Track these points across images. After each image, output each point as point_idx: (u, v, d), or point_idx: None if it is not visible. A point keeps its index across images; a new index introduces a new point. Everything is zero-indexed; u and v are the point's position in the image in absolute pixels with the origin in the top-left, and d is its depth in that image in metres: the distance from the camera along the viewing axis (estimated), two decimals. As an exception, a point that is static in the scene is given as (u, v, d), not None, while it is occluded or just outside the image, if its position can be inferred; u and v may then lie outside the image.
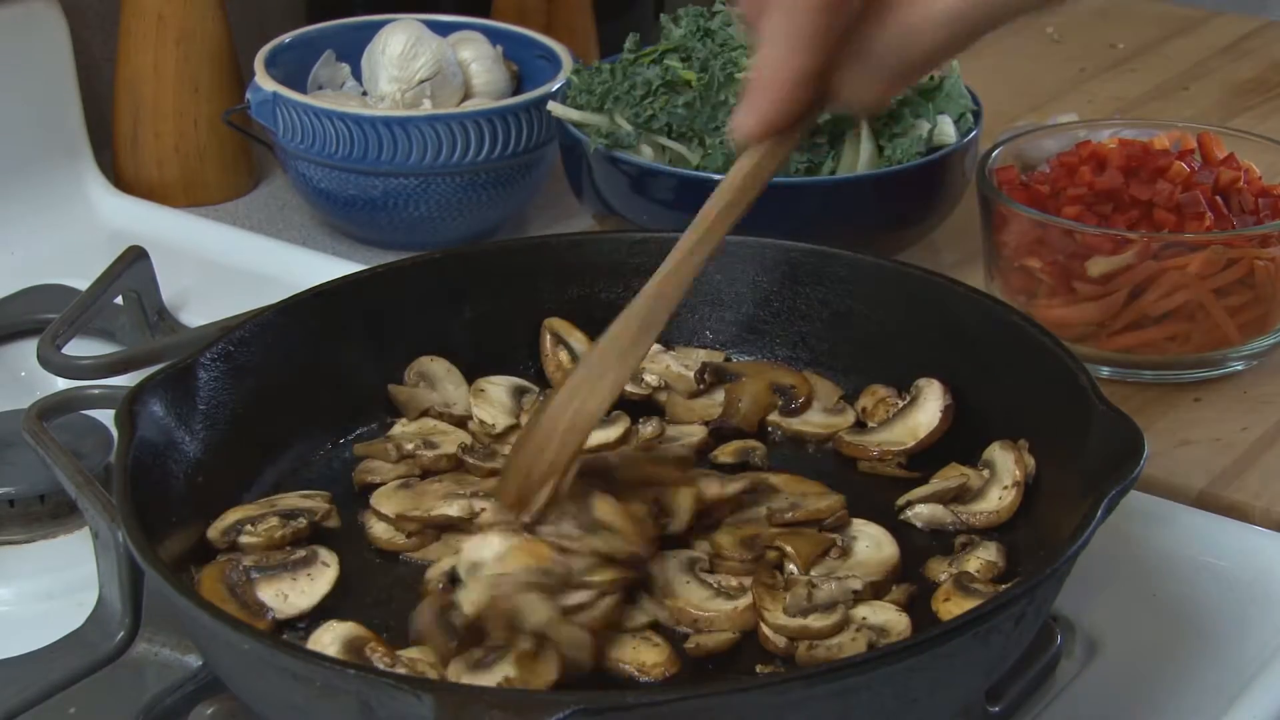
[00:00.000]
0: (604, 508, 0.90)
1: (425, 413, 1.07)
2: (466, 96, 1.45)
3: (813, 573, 0.92)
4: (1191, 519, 1.08)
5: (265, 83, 1.41)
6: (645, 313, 0.90)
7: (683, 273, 0.90)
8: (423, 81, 1.41)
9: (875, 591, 0.92)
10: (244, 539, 0.95)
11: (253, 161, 1.56)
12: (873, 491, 1.02)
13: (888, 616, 0.90)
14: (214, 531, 0.96)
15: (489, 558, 0.88)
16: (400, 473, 1.02)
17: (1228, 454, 1.16)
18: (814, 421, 1.08)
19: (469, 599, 0.87)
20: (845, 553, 0.94)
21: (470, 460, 1.03)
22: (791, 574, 0.93)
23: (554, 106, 1.34)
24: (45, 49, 1.46)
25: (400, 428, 1.06)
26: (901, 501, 1.00)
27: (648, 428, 1.07)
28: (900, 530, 0.99)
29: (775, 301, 1.13)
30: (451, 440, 1.05)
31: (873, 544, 0.95)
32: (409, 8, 1.50)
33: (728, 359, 1.13)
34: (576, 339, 1.12)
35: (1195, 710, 0.94)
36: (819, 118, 0.83)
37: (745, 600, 0.91)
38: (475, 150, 1.37)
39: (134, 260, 1.28)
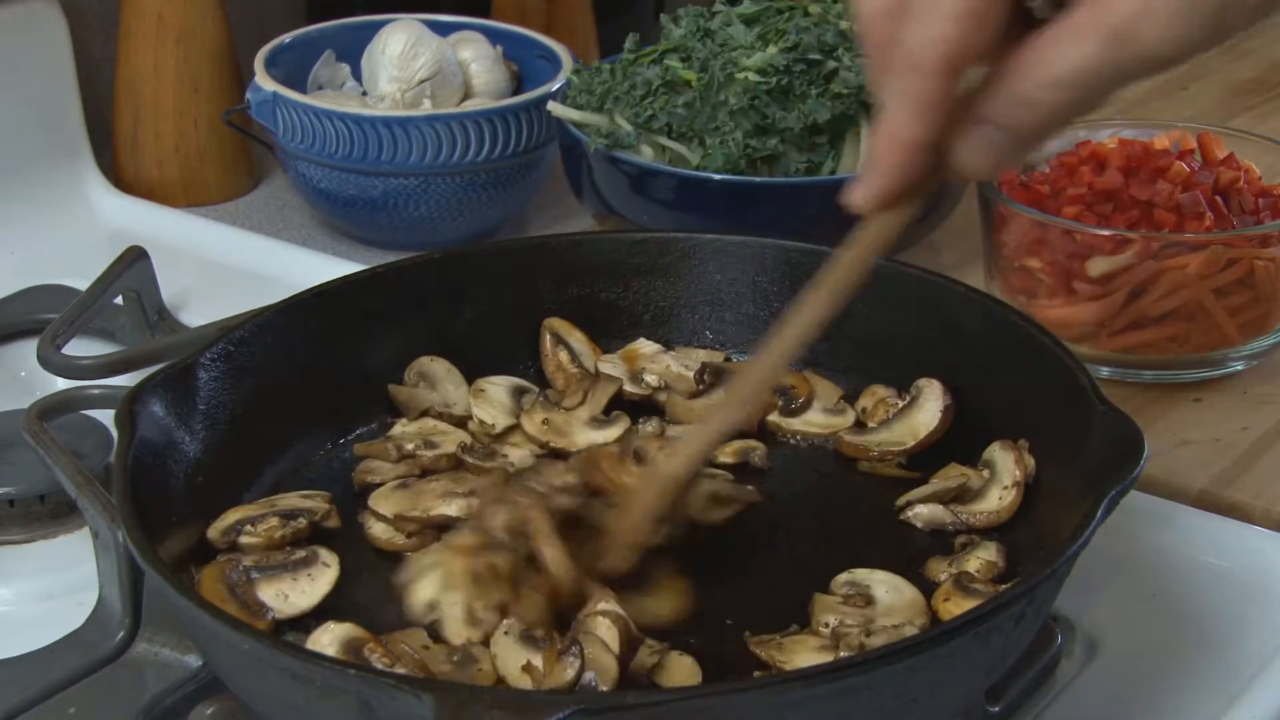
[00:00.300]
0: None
1: (425, 413, 1.07)
2: (466, 96, 1.45)
3: (846, 623, 0.90)
4: (1191, 519, 1.08)
5: (265, 83, 1.41)
6: (738, 388, 0.92)
7: (784, 348, 0.89)
8: (423, 81, 1.41)
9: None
10: (244, 539, 0.95)
11: (253, 161, 1.56)
12: (873, 491, 1.02)
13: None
14: (214, 531, 0.96)
15: (435, 589, 0.89)
16: (400, 472, 1.02)
17: (1228, 454, 1.16)
18: (814, 421, 1.08)
19: (450, 631, 0.88)
20: (869, 601, 0.92)
21: (469, 460, 1.03)
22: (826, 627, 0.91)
23: (554, 106, 1.34)
24: (45, 49, 1.46)
25: (400, 428, 1.06)
26: (901, 501, 1.00)
27: (648, 427, 1.07)
28: (900, 530, 0.99)
29: (775, 301, 1.12)
30: (451, 440, 1.05)
31: (892, 589, 0.93)
32: (409, 8, 1.50)
33: (728, 359, 1.13)
34: (576, 339, 1.12)
35: (1195, 710, 0.94)
36: (935, 186, 0.82)
37: None
38: (475, 150, 1.37)
39: (134, 260, 1.28)
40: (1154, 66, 0.74)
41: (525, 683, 0.85)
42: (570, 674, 0.83)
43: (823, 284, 0.88)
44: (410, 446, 1.03)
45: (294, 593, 0.92)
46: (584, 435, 1.06)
